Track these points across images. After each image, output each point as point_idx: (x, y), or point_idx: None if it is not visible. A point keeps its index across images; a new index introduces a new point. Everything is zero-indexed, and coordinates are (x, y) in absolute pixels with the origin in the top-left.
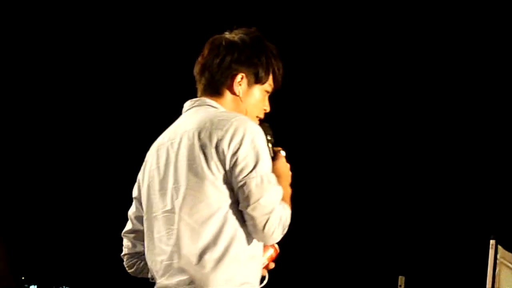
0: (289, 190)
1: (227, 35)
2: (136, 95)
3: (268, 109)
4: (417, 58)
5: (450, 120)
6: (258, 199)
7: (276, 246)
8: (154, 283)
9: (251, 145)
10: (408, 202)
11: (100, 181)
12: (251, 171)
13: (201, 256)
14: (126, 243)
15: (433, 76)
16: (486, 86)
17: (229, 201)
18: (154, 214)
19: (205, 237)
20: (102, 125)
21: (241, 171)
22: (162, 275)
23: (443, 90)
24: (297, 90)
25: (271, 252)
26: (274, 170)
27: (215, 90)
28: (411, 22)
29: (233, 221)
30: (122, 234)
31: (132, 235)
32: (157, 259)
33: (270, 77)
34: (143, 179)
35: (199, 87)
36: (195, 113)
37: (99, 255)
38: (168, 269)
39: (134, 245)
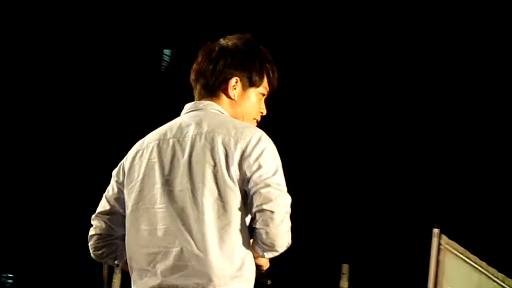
0: None
1: (221, 41)
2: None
3: (264, 112)
4: (406, 59)
5: (394, 108)
6: (277, 198)
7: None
8: (111, 269)
9: (273, 155)
10: (352, 190)
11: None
12: (271, 176)
13: (220, 263)
14: (98, 223)
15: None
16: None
17: (244, 209)
18: (146, 206)
19: (226, 242)
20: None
21: (261, 175)
22: (152, 272)
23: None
24: (293, 91)
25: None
26: None
27: (211, 94)
28: (408, 22)
29: (246, 229)
30: (94, 215)
31: (108, 216)
32: (142, 250)
33: (265, 80)
34: (130, 168)
35: (196, 93)
36: (205, 117)
37: (43, 243)
38: (174, 268)
39: (108, 227)
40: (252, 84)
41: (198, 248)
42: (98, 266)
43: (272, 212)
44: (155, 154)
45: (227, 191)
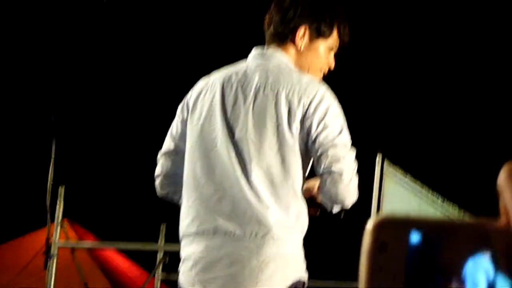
0: None
1: None
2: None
3: (333, 65)
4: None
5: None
6: (345, 157)
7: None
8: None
9: (337, 114)
10: None
11: None
12: (337, 136)
13: (277, 214)
14: (165, 162)
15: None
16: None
17: (301, 165)
18: (205, 147)
19: (282, 197)
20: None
21: (327, 135)
22: (218, 216)
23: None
24: None
25: None
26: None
27: (280, 41)
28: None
29: (301, 184)
30: (160, 154)
31: (173, 155)
32: (198, 190)
33: (335, 33)
34: (194, 106)
35: (267, 36)
36: (271, 67)
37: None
38: (232, 213)
39: (175, 166)
40: (320, 34)
41: (255, 199)
42: None
43: (341, 173)
44: (218, 95)
45: (286, 146)
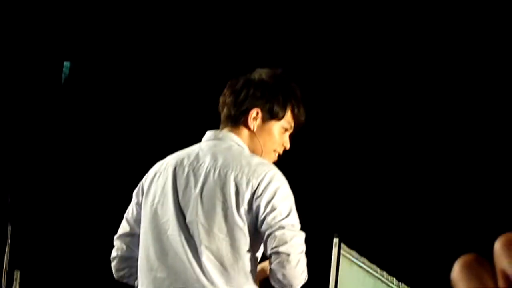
0: None
1: (249, 74)
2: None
3: (288, 146)
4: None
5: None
6: (293, 239)
7: None
8: None
9: (285, 195)
10: None
11: None
12: (284, 218)
13: None
14: (120, 245)
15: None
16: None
17: (252, 248)
18: (158, 230)
19: (233, 280)
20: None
21: (275, 217)
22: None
23: None
24: None
25: None
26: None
27: (233, 123)
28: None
29: (253, 266)
30: (116, 236)
31: (128, 238)
32: (151, 274)
33: (288, 114)
34: (148, 189)
35: (221, 118)
36: (222, 149)
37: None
38: None
39: (129, 249)
40: (273, 116)
41: (207, 282)
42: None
43: (288, 254)
44: (170, 179)
45: (235, 229)
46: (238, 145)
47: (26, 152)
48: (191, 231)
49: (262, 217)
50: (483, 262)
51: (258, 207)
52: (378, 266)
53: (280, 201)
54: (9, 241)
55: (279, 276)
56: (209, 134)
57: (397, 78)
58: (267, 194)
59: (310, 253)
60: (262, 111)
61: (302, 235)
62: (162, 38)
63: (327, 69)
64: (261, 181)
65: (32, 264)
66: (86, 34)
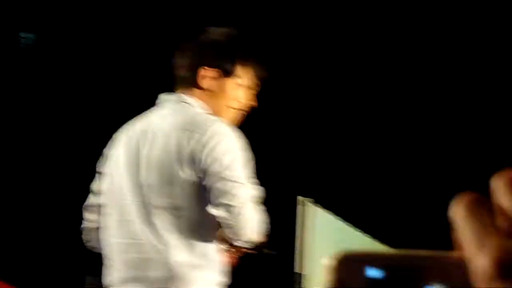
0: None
1: (200, 35)
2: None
3: (252, 103)
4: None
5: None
6: (232, 191)
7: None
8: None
9: (227, 148)
10: None
11: None
12: (225, 169)
13: (180, 255)
14: (87, 216)
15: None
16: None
17: (202, 202)
18: (115, 197)
19: (185, 236)
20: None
21: (214, 169)
22: (120, 263)
23: None
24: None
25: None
26: None
27: (187, 83)
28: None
29: (206, 221)
30: (83, 206)
31: (95, 208)
32: (112, 240)
33: (243, 71)
34: (107, 158)
35: (176, 79)
36: (172, 110)
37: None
38: (139, 261)
39: (95, 219)
40: (225, 74)
41: (158, 242)
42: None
43: (229, 205)
44: (123, 146)
45: (182, 186)
46: (188, 104)
47: None
48: (142, 194)
49: (204, 169)
50: (486, 202)
51: (199, 160)
52: (347, 222)
53: (221, 153)
54: None
55: (225, 227)
56: (161, 97)
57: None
58: (208, 148)
59: (273, 214)
60: (212, 70)
61: (247, 188)
62: (125, 10)
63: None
64: (202, 135)
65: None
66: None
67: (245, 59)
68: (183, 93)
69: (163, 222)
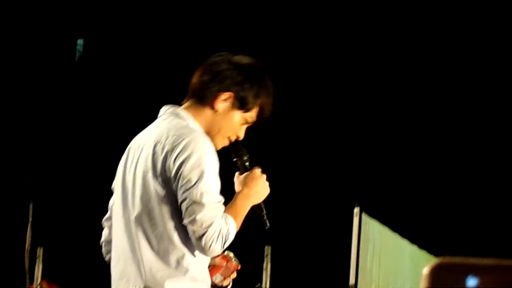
0: (247, 205)
1: (231, 56)
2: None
3: (241, 137)
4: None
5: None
6: (195, 215)
7: (236, 261)
8: None
9: (197, 162)
10: (273, 170)
11: None
12: (192, 187)
13: (154, 266)
14: (104, 230)
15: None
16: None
17: (175, 212)
18: (116, 212)
19: (159, 246)
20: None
21: (183, 186)
22: (114, 278)
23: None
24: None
25: (229, 269)
26: (243, 182)
27: (199, 98)
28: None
29: (180, 230)
30: (102, 222)
31: (109, 222)
32: (112, 255)
33: (256, 108)
34: (117, 171)
35: (189, 90)
36: (161, 123)
37: None
38: (122, 274)
39: (110, 233)
40: (242, 106)
41: (136, 255)
42: None
43: (192, 231)
44: (123, 161)
45: (157, 197)
46: (180, 117)
47: (44, 130)
48: (129, 207)
49: (174, 184)
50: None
51: (170, 174)
52: (399, 234)
53: (190, 169)
54: (30, 218)
55: (194, 243)
56: (161, 110)
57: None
58: (178, 162)
59: (331, 222)
60: (234, 97)
61: (211, 205)
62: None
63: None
64: (175, 147)
65: (55, 241)
66: (99, 12)
67: (265, 100)
68: (188, 105)
69: (139, 234)
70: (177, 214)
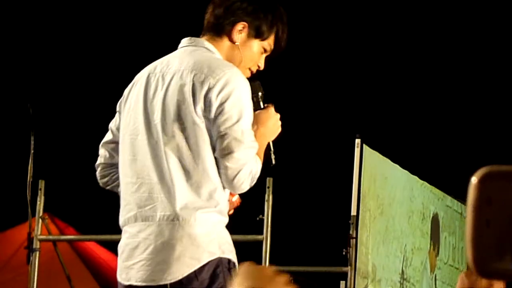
0: (264, 143)
1: None
2: None
3: (262, 66)
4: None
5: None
6: (234, 152)
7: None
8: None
9: (239, 99)
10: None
11: None
12: (233, 124)
13: (186, 196)
14: (103, 153)
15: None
16: None
17: (208, 147)
18: (130, 136)
19: (192, 177)
20: None
21: (224, 122)
22: (131, 201)
23: None
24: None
25: (236, 199)
26: (258, 120)
27: (216, 32)
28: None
29: (212, 163)
30: (100, 144)
31: (111, 145)
32: (126, 179)
33: (272, 36)
34: (127, 98)
35: (204, 26)
36: (191, 53)
37: None
38: (147, 200)
39: (111, 156)
40: (258, 35)
41: (166, 182)
42: None
43: (226, 167)
44: (143, 86)
45: (194, 128)
46: (209, 50)
47: (45, 60)
48: (155, 134)
49: (213, 118)
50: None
51: (210, 107)
52: (400, 166)
53: (232, 106)
54: (32, 150)
55: (222, 177)
56: (183, 41)
57: None
58: (221, 96)
59: (334, 154)
60: (249, 26)
61: (248, 145)
62: None
63: None
64: (217, 81)
65: (56, 173)
66: None
67: (280, 26)
68: (207, 40)
69: (171, 162)
70: (212, 147)
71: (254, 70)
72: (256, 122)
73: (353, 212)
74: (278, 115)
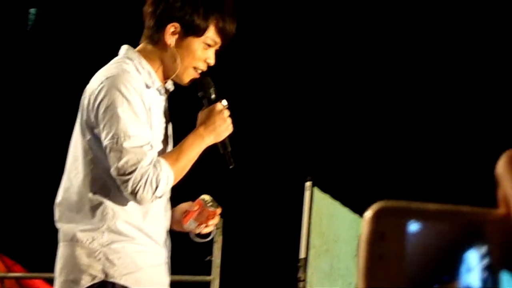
0: (199, 145)
1: None
2: None
3: (212, 62)
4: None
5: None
6: (117, 161)
7: (213, 207)
8: None
9: (111, 106)
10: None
11: None
12: (109, 133)
13: (83, 212)
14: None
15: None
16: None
17: (101, 159)
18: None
19: (85, 195)
20: None
21: (102, 134)
22: (58, 219)
23: None
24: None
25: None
26: (199, 118)
27: (151, 39)
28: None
29: (105, 177)
30: None
31: None
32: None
33: (212, 29)
34: None
35: (142, 34)
36: (107, 66)
37: None
38: (61, 216)
39: None
40: (193, 32)
41: (68, 201)
42: None
43: (117, 179)
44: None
45: (84, 143)
46: (129, 58)
47: None
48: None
49: (96, 129)
50: None
51: (92, 119)
52: (351, 209)
53: (103, 115)
54: None
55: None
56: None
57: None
58: (96, 106)
59: (283, 197)
60: (181, 26)
61: (132, 151)
62: None
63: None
64: (92, 91)
65: (4, 211)
66: None
67: (217, 16)
68: (142, 48)
69: (70, 181)
70: (102, 160)
71: (204, 68)
72: (198, 120)
73: (302, 254)
74: (226, 112)
